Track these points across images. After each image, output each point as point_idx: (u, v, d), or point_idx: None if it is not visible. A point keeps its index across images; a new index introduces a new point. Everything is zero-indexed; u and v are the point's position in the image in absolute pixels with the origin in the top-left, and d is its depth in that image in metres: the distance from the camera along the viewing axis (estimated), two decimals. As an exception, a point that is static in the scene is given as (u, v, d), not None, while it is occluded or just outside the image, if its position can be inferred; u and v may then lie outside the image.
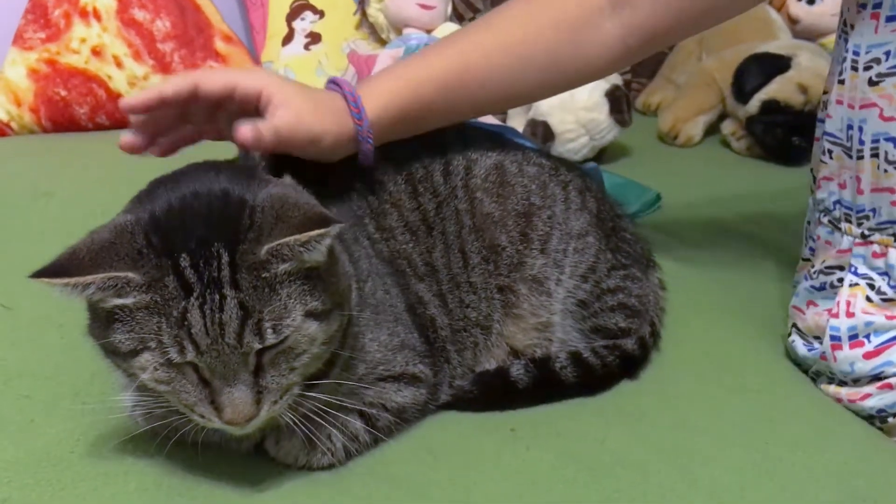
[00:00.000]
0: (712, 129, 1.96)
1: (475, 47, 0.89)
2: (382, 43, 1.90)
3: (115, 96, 1.81)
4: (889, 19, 0.83)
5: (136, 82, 1.82)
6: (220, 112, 0.81)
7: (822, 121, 0.94)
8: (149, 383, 0.64)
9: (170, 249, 0.62)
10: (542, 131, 1.61)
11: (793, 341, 0.97)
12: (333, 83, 0.85)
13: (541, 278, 0.89)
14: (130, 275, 0.61)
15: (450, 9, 1.88)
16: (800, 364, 0.98)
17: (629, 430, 0.81)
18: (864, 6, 0.85)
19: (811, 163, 1.01)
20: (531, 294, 0.89)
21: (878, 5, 0.83)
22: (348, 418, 0.74)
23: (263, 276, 0.62)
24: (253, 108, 0.78)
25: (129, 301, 0.61)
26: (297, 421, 0.68)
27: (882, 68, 0.83)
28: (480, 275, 0.87)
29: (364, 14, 1.93)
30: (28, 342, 0.89)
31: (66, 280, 0.60)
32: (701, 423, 0.83)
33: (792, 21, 2.04)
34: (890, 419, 0.87)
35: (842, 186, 0.90)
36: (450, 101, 0.88)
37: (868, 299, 0.87)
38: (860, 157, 0.87)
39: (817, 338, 0.94)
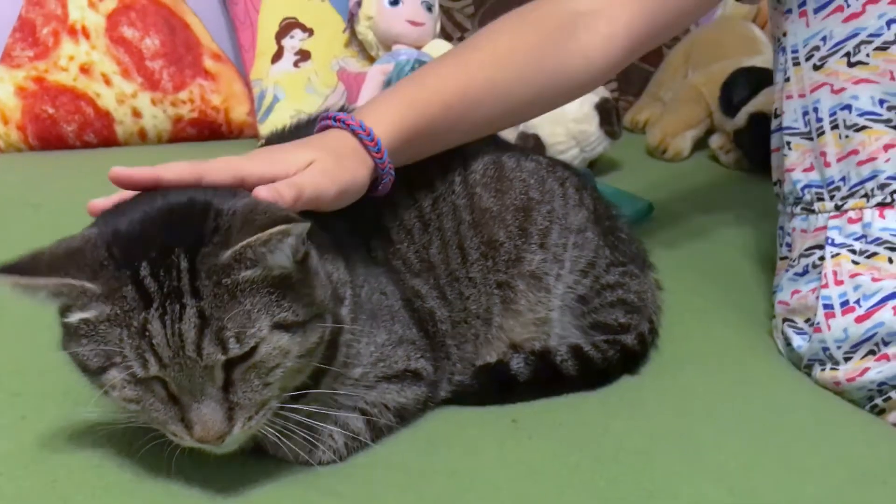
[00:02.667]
0: (700, 145, 1.97)
1: (470, 64, 0.87)
2: (372, 60, 1.90)
3: (103, 114, 1.80)
4: (816, 10, 0.92)
5: (125, 100, 1.81)
6: None
7: (778, 129, 1.01)
8: (119, 402, 0.62)
9: (130, 259, 0.60)
10: (533, 144, 1.61)
11: (785, 335, 0.98)
12: (331, 119, 0.78)
13: (539, 274, 0.88)
14: (87, 285, 0.59)
15: (438, 26, 1.89)
16: (792, 360, 0.98)
17: (631, 419, 0.81)
18: (790, 11, 0.95)
19: (773, 175, 1.06)
20: (529, 290, 0.88)
21: (802, 3, 0.93)
22: (349, 418, 0.73)
23: (224, 282, 0.59)
24: None
25: (90, 314, 0.59)
26: (280, 436, 0.65)
27: (822, 52, 0.93)
28: (479, 270, 0.87)
29: (353, 31, 1.93)
30: (16, 341, 0.88)
31: (15, 279, 0.59)
32: (703, 412, 0.83)
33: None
34: (892, 393, 0.87)
35: (807, 170, 0.96)
36: (451, 122, 0.85)
37: (854, 262, 0.90)
38: (821, 134, 0.94)
39: (808, 321, 0.94)
